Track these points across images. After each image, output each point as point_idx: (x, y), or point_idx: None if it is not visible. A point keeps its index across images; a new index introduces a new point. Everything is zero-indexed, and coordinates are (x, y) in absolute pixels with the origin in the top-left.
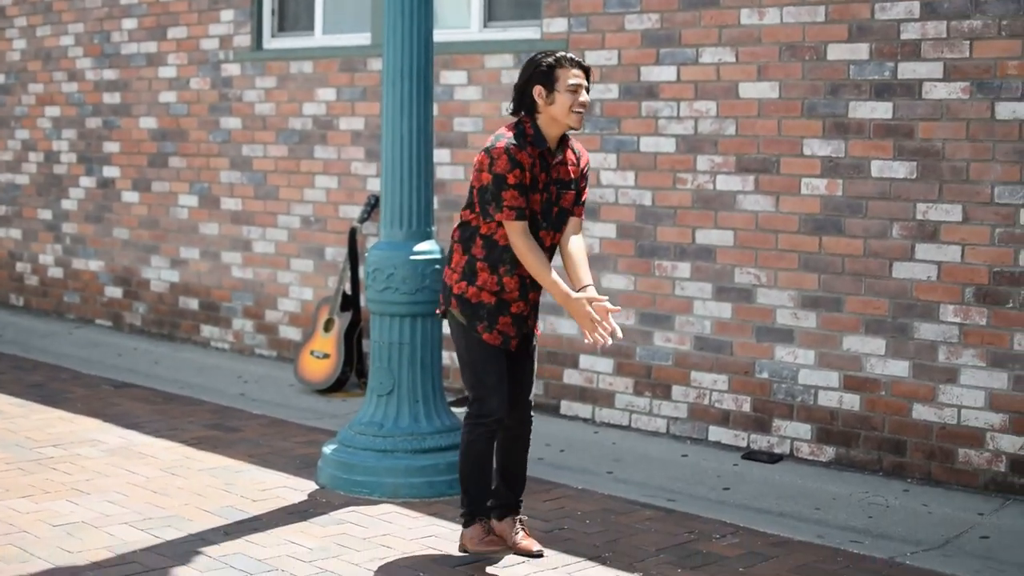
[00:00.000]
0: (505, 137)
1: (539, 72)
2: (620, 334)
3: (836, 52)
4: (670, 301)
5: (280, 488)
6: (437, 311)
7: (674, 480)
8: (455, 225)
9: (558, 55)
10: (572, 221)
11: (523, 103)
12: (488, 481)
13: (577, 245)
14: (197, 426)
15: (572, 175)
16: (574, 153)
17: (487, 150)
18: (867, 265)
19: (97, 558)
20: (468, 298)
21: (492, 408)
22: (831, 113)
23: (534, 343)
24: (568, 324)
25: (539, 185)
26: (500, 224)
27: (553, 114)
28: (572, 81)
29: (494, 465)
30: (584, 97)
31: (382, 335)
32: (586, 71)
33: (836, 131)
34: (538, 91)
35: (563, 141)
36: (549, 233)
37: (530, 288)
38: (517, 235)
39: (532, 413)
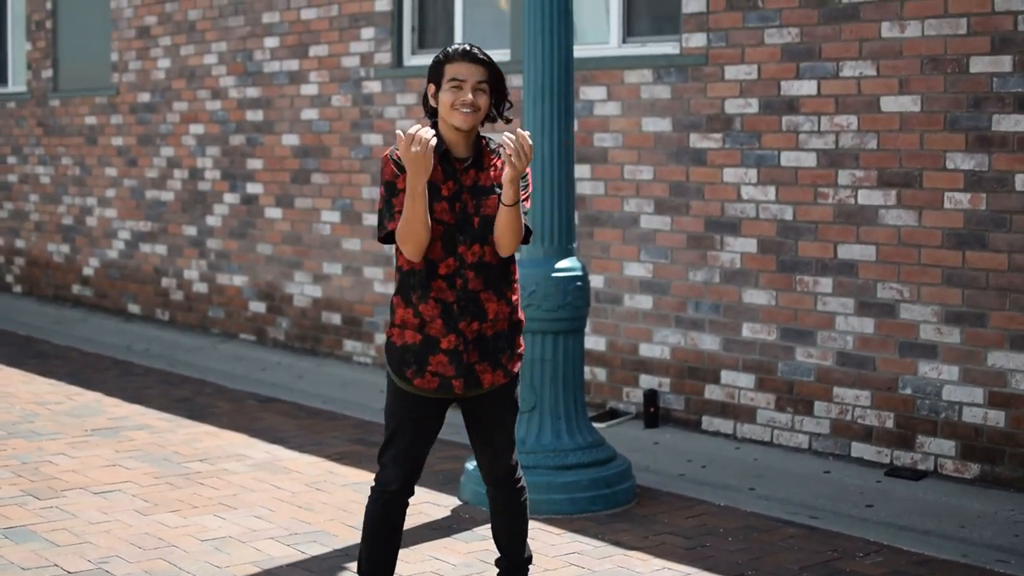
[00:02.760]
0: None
1: (431, 68)
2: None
3: (979, 65)
4: (812, 316)
5: (423, 504)
6: None
7: (817, 497)
8: None
9: (451, 48)
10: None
11: (426, 105)
12: (379, 560)
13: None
14: (341, 441)
15: (495, 179)
16: (498, 155)
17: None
18: (1012, 280)
19: (244, 573)
20: (393, 342)
21: (388, 478)
22: (974, 126)
23: (509, 393)
24: (709, 339)
25: (443, 192)
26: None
27: (441, 114)
28: (453, 75)
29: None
30: (466, 96)
31: (524, 352)
32: (485, 65)
33: (979, 145)
34: (430, 89)
35: (481, 143)
36: (470, 248)
37: (461, 316)
38: (398, 238)
39: (520, 477)
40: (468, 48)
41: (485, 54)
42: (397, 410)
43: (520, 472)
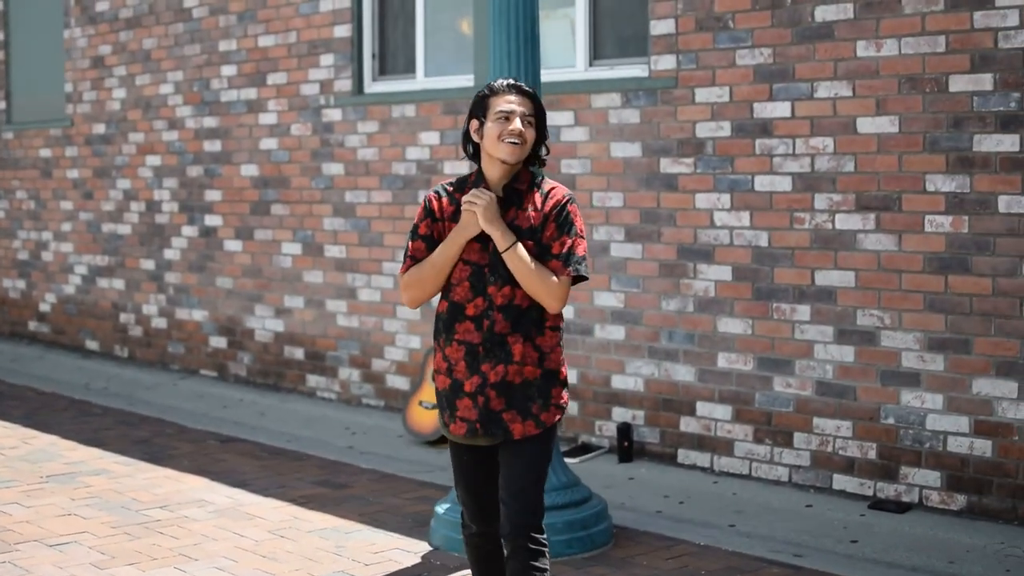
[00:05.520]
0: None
1: (474, 104)
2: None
3: (958, 84)
4: (789, 345)
5: (392, 550)
6: None
7: (799, 533)
8: None
9: (495, 82)
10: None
11: (467, 143)
12: None
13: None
14: (305, 483)
15: (531, 221)
16: (541, 195)
17: None
18: (996, 305)
19: None
20: (436, 387)
21: (467, 520)
22: (955, 147)
23: (539, 444)
24: (684, 369)
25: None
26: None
27: (486, 149)
28: (501, 108)
29: None
30: (516, 125)
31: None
32: (532, 98)
33: (960, 166)
34: (473, 126)
35: (521, 182)
36: (500, 289)
37: (485, 358)
38: (407, 281)
39: (541, 543)
40: (514, 81)
41: (532, 88)
42: (452, 455)
43: (543, 540)
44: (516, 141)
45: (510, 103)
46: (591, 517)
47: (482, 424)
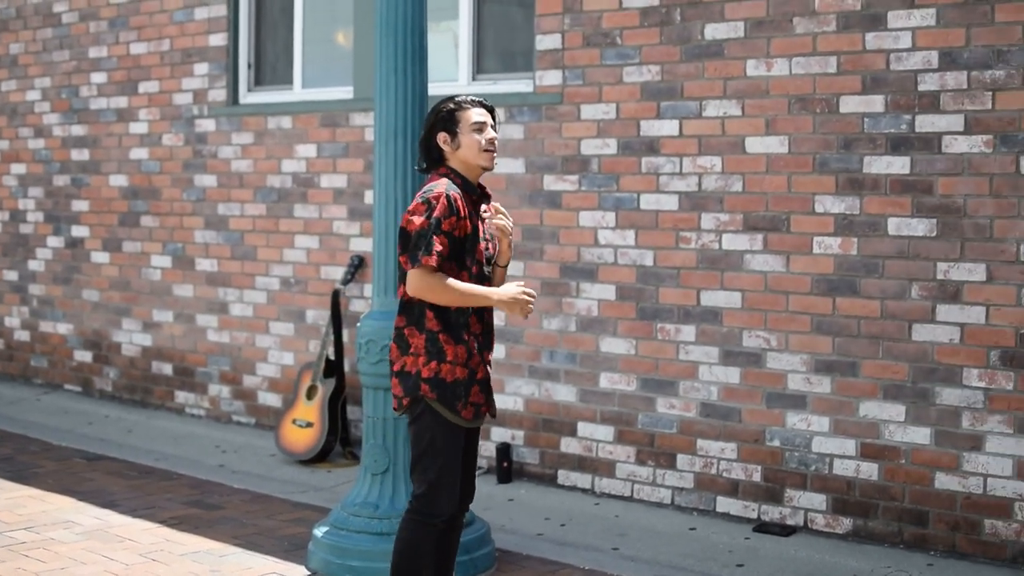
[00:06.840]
0: (443, 185)
1: (441, 118)
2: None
3: (849, 104)
4: (674, 366)
5: (269, 575)
6: (395, 408)
7: (684, 556)
8: (397, 311)
9: (458, 98)
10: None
11: (430, 155)
12: None
13: None
14: (176, 503)
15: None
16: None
17: (424, 198)
18: (884, 327)
19: None
20: (443, 378)
21: (442, 507)
22: (844, 168)
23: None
24: (565, 390)
25: (480, 233)
26: None
27: (463, 158)
28: (476, 119)
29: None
30: (491, 134)
31: (376, 410)
32: (490, 110)
33: (850, 187)
34: (442, 138)
35: (482, 188)
36: (491, 283)
37: (484, 347)
38: (436, 280)
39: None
40: (476, 97)
41: (490, 103)
42: (445, 445)
43: None
44: (492, 149)
45: (482, 115)
46: (473, 541)
47: (491, 405)
